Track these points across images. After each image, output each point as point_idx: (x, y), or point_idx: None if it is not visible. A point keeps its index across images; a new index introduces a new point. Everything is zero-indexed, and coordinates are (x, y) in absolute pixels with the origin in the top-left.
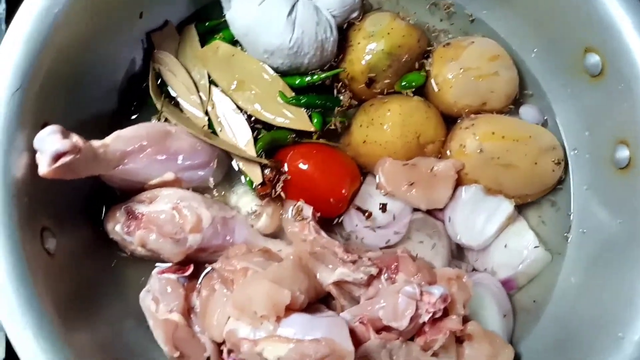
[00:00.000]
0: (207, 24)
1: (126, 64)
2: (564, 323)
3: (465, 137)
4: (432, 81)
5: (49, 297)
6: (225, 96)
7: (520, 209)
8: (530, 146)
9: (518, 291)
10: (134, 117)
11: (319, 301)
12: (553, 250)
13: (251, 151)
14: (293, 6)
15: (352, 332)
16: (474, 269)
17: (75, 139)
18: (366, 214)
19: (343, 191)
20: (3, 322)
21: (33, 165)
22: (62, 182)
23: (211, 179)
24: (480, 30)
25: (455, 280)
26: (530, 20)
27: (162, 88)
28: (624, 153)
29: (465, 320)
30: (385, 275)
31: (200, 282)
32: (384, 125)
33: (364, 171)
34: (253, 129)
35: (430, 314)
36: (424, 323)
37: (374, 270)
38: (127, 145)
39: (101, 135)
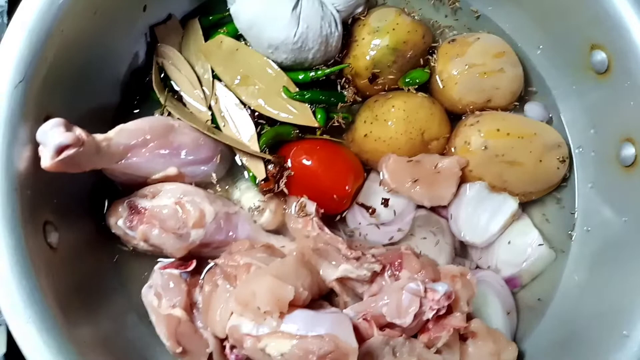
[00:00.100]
0: (211, 18)
1: (129, 58)
2: (568, 321)
3: (470, 134)
4: (437, 78)
5: (51, 291)
6: (229, 91)
7: (525, 206)
8: (535, 143)
9: (522, 289)
10: (136, 111)
11: (322, 298)
12: (557, 248)
13: (254, 146)
14: (298, 0)
15: (356, 329)
16: (477, 267)
17: (79, 132)
18: (370, 210)
19: (346, 187)
20: (5, 316)
21: (36, 159)
22: (64, 176)
23: (214, 174)
24: (486, 27)
25: (459, 277)
26: (536, 17)
27: (166, 82)
28: (629, 151)
29: (469, 317)
30: (389, 272)
31: (203, 278)
32: (388, 121)
33: (368, 168)
34: (256, 124)
35: (434, 311)
36: (427, 320)
37: (377, 267)
38: (130, 139)
39: (104, 129)
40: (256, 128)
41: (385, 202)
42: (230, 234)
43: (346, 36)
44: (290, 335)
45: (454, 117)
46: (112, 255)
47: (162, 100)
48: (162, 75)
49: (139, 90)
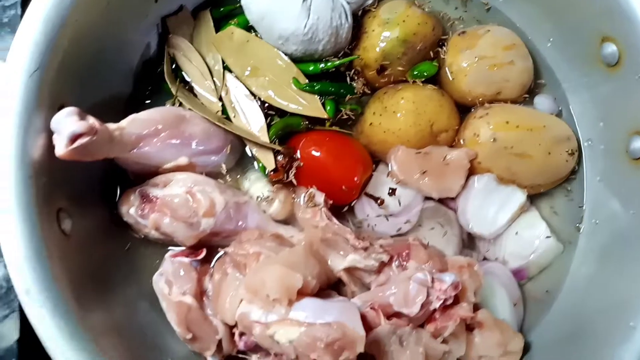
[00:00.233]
0: (222, 9)
1: (141, 48)
2: (575, 313)
3: (479, 126)
4: (447, 70)
5: (64, 277)
6: (239, 82)
7: (533, 199)
8: (544, 136)
9: (529, 281)
10: (148, 101)
11: (330, 287)
12: (565, 241)
13: (264, 137)
14: None
15: (363, 318)
16: (485, 259)
17: (92, 121)
18: (378, 201)
19: (355, 179)
20: (20, 300)
21: (50, 147)
22: (78, 164)
23: (223, 165)
24: (496, 19)
25: (467, 268)
26: (546, 9)
27: (177, 73)
28: (639, 144)
29: (476, 308)
30: (396, 262)
31: (213, 266)
32: (397, 113)
33: (377, 159)
34: (266, 115)
35: (441, 301)
36: (434, 310)
37: (385, 257)
38: (142, 128)
39: (116, 119)
40: (266, 119)
41: (392, 192)
42: (240, 223)
43: (356, 28)
44: (299, 322)
45: (463, 110)
46: (124, 243)
47: (173, 90)
48: (174, 66)
49: (151, 81)
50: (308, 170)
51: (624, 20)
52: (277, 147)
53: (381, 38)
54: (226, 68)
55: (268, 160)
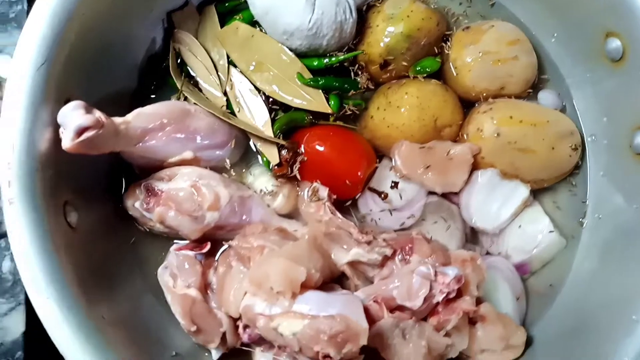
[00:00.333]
0: (227, 4)
1: (147, 43)
2: (577, 307)
3: (483, 121)
4: (451, 65)
5: (71, 270)
6: (244, 77)
7: (536, 194)
8: (547, 131)
9: (532, 275)
10: (153, 96)
11: (333, 281)
12: (568, 236)
13: (269, 132)
14: None
15: (366, 311)
16: (487, 253)
17: (98, 114)
18: (382, 195)
19: (359, 173)
20: (28, 291)
21: (57, 140)
22: (84, 158)
23: (228, 160)
24: (500, 14)
25: (470, 262)
26: (550, 4)
27: (182, 68)
28: None
29: (479, 302)
30: (400, 256)
31: (218, 259)
32: (401, 108)
33: (380, 154)
34: (271, 110)
35: (444, 295)
36: (437, 303)
37: (388, 251)
38: (148, 122)
39: (122, 114)
40: (270, 114)
41: (395, 185)
42: (244, 217)
43: (360, 23)
44: (302, 315)
45: (467, 105)
46: (129, 237)
47: (178, 85)
48: (179, 61)
49: (156, 76)
50: (312, 165)
51: (628, 15)
52: (281, 142)
53: (385, 33)
54: (231, 63)
55: (272, 154)
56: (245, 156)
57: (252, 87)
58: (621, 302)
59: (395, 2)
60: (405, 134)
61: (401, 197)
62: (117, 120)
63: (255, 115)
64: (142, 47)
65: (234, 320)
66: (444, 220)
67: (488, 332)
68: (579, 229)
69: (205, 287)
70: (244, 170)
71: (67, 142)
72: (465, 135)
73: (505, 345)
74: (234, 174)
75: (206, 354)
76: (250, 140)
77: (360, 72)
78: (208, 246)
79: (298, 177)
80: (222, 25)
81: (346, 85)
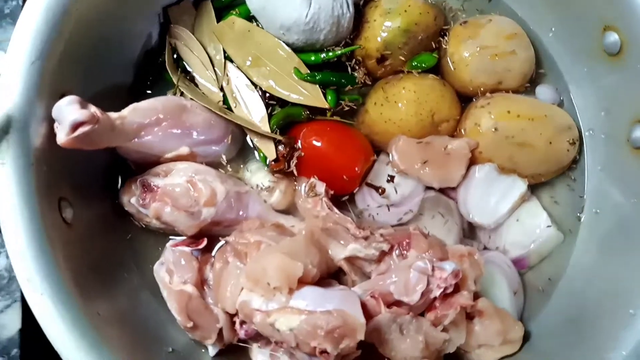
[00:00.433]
0: None
1: (143, 38)
2: (575, 302)
3: (480, 115)
4: (448, 59)
5: (66, 266)
6: (241, 72)
7: (533, 188)
8: (545, 125)
9: (530, 270)
10: (149, 92)
11: (330, 277)
12: (565, 230)
13: (265, 127)
14: None
15: (363, 306)
16: (485, 248)
17: (94, 109)
18: (380, 190)
19: (356, 169)
20: (22, 287)
21: (52, 135)
22: (79, 153)
23: (224, 156)
24: (498, 9)
25: (467, 256)
26: None
27: (178, 63)
28: None
29: (476, 297)
30: (397, 251)
31: (214, 255)
32: (398, 103)
33: (378, 149)
34: (267, 105)
35: (442, 289)
36: (434, 298)
37: (385, 246)
38: (143, 117)
39: (118, 109)
40: (267, 109)
41: (391, 179)
42: (241, 213)
43: (357, 17)
44: (299, 310)
45: (464, 99)
46: (125, 233)
47: (174, 80)
48: (175, 56)
49: (152, 71)
50: (309, 160)
51: (626, 8)
52: (279, 137)
53: (383, 28)
54: (227, 58)
55: (269, 150)
56: (242, 152)
57: (249, 82)
58: (618, 296)
59: None
60: (402, 129)
61: (396, 191)
62: (113, 115)
63: (252, 111)
64: (138, 43)
65: (231, 316)
66: (442, 215)
67: (486, 327)
68: (577, 224)
69: (201, 283)
70: (241, 166)
71: (62, 137)
72: (462, 130)
73: (503, 340)
74: (230, 169)
75: (203, 350)
76: (247, 136)
77: (357, 67)
78: (204, 242)
79: (295, 172)
80: (218, 21)
81: (343, 80)
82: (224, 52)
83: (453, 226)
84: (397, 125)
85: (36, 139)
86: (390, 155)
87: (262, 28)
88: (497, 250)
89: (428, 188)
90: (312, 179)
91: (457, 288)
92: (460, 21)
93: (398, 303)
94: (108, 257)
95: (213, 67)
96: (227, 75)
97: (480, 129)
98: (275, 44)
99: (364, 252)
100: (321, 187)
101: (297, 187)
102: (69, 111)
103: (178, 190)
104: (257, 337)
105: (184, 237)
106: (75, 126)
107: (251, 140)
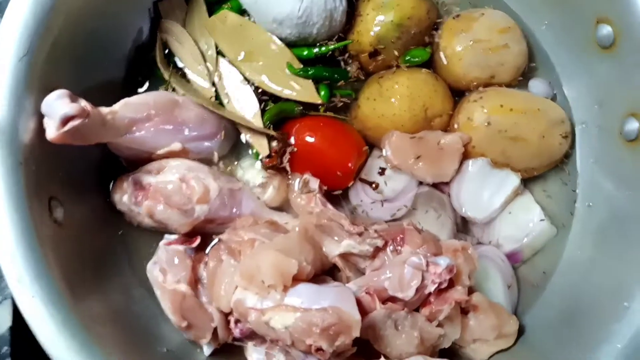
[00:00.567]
0: None
1: (134, 33)
2: (569, 295)
3: (473, 109)
4: (441, 54)
5: (57, 266)
6: (233, 67)
7: (526, 182)
8: (538, 119)
9: (523, 264)
10: (142, 87)
11: (324, 273)
12: (559, 224)
13: (258, 123)
14: None
15: (358, 303)
16: (479, 242)
17: (84, 103)
18: (373, 185)
19: (349, 164)
20: (12, 288)
21: (41, 132)
22: (69, 151)
23: (216, 153)
24: (491, 2)
25: (461, 251)
26: None
27: (170, 58)
28: (633, 125)
29: (470, 291)
30: (391, 247)
31: (208, 253)
32: (391, 98)
33: (371, 144)
34: (260, 101)
35: (436, 285)
36: (429, 294)
37: (379, 242)
38: (135, 112)
39: (109, 105)
40: (260, 104)
41: (382, 171)
42: (234, 210)
43: (351, 11)
44: (294, 308)
45: (457, 94)
46: (118, 230)
47: (166, 76)
48: (167, 51)
49: (144, 67)
50: (302, 156)
51: (618, 1)
52: (272, 132)
53: (375, 22)
54: (219, 53)
55: (262, 145)
56: (234, 149)
57: (242, 78)
58: (612, 289)
59: None
60: (395, 124)
61: (386, 184)
62: (104, 110)
63: (245, 106)
64: (129, 38)
65: (225, 315)
66: (435, 210)
67: (480, 321)
68: (570, 217)
69: (195, 282)
70: (235, 162)
71: (52, 132)
72: (455, 125)
73: (498, 334)
74: (222, 166)
75: (198, 349)
76: (239, 132)
77: (350, 62)
78: (198, 240)
79: (288, 168)
80: (210, 15)
81: (336, 75)
82: (216, 47)
83: (446, 221)
84: (390, 120)
85: (25, 137)
86: (384, 150)
87: (255, 22)
88: (491, 244)
89: (421, 183)
90: (305, 175)
91: (451, 283)
92: (453, 15)
93: (393, 299)
94: (100, 256)
95: (205, 62)
96: (220, 70)
97: (473, 124)
98: (268, 38)
99: (358, 248)
100: (315, 183)
101: (290, 183)
102: (58, 105)
103: (170, 187)
104: (252, 335)
105: (177, 235)
106: (65, 120)
107: (244, 137)
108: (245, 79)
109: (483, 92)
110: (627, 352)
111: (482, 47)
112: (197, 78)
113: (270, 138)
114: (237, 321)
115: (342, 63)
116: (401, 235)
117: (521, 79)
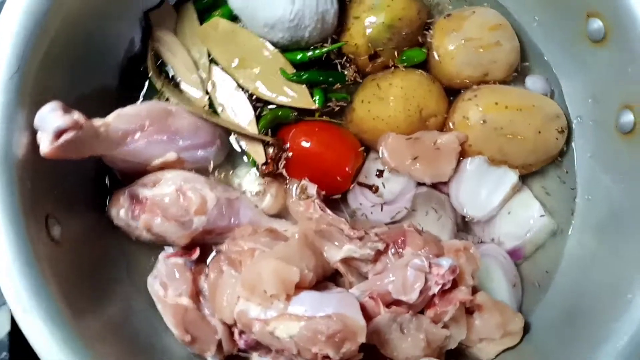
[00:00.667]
0: (204, 0)
1: (125, 44)
2: (572, 290)
3: (468, 108)
4: (434, 53)
5: (55, 282)
6: (226, 74)
7: (525, 179)
8: (534, 115)
9: (525, 261)
10: (135, 98)
11: (326, 279)
12: (558, 219)
13: (254, 130)
14: None
15: (362, 308)
16: (480, 241)
17: (77, 115)
18: (373, 188)
19: (347, 168)
20: (10, 305)
21: (35, 149)
22: (64, 167)
23: (212, 162)
24: (483, 0)
25: (463, 251)
26: None
27: (162, 68)
28: (628, 118)
29: (474, 291)
30: (392, 250)
31: (208, 265)
32: (386, 99)
33: (368, 147)
34: (255, 107)
35: (440, 286)
36: (433, 295)
37: (381, 246)
38: (128, 124)
39: (103, 116)
40: (255, 111)
41: (380, 174)
42: (233, 219)
43: (342, 14)
44: (298, 317)
45: (451, 93)
46: (116, 245)
47: (158, 86)
48: (159, 61)
49: (136, 78)
50: (299, 162)
51: None
52: (267, 138)
53: (367, 24)
54: (212, 61)
55: (258, 153)
56: (230, 157)
57: (235, 85)
58: (616, 281)
59: None
60: (391, 125)
61: (384, 186)
62: (97, 122)
63: (239, 114)
64: (120, 49)
65: (229, 327)
66: (435, 210)
67: (486, 320)
68: (570, 212)
69: (197, 295)
70: (231, 171)
71: (46, 146)
72: (451, 124)
73: (504, 333)
74: (217, 175)
75: None
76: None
77: (347, 65)
78: (197, 252)
79: (285, 174)
80: (201, 23)
81: (331, 79)
82: (209, 54)
83: (447, 221)
84: (386, 122)
85: (18, 153)
86: (380, 152)
87: (246, 27)
88: (492, 242)
89: (420, 184)
90: (303, 181)
91: (455, 284)
92: (444, 14)
93: (397, 302)
94: (99, 271)
95: (198, 70)
96: (213, 78)
97: (469, 122)
98: (260, 44)
99: (359, 253)
100: (312, 188)
101: (288, 189)
102: (51, 118)
103: (167, 200)
104: (258, 346)
105: (177, 248)
106: (59, 133)
107: (239, 144)
108: (239, 86)
109: (477, 90)
110: (628, 351)
111: (474, 46)
112: (191, 87)
113: (265, 145)
114: (241, 332)
115: (338, 66)
116: (402, 238)
117: (516, 75)
